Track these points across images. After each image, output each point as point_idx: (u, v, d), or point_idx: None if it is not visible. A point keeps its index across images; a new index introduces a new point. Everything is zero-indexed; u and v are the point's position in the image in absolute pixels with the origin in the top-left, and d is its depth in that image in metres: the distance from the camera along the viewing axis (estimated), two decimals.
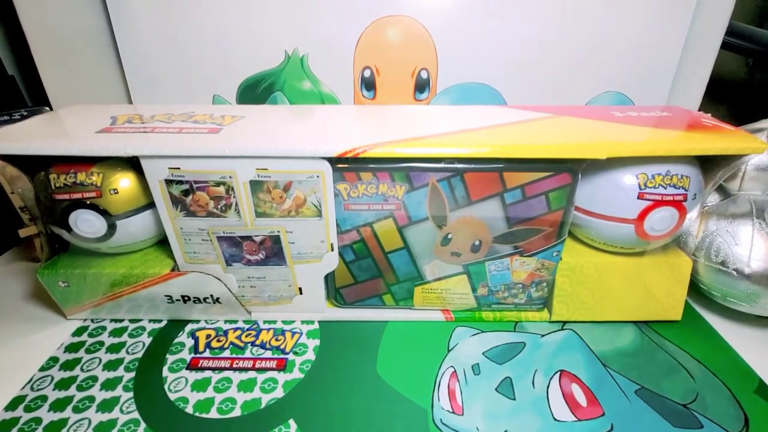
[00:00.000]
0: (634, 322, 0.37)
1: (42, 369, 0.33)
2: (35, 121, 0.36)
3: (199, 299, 0.37)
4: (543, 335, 0.36)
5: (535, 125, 0.35)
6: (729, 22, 0.45)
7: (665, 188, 0.31)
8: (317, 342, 0.36)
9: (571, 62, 0.46)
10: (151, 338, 0.36)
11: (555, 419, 0.29)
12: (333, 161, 0.30)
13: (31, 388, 0.32)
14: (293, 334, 0.37)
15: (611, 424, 0.29)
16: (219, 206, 0.32)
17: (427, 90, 0.47)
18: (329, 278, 0.36)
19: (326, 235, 0.33)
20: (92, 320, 0.38)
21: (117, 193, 0.33)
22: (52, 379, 0.32)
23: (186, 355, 0.35)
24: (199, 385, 0.32)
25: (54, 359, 0.34)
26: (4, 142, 0.31)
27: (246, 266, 0.35)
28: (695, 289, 0.38)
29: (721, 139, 0.30)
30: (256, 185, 0.31)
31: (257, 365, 0.34)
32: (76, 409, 0.30)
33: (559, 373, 0.32)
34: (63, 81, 0.48)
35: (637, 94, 0.47)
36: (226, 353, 0.35)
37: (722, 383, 0.32)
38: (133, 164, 0.33)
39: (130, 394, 0.31)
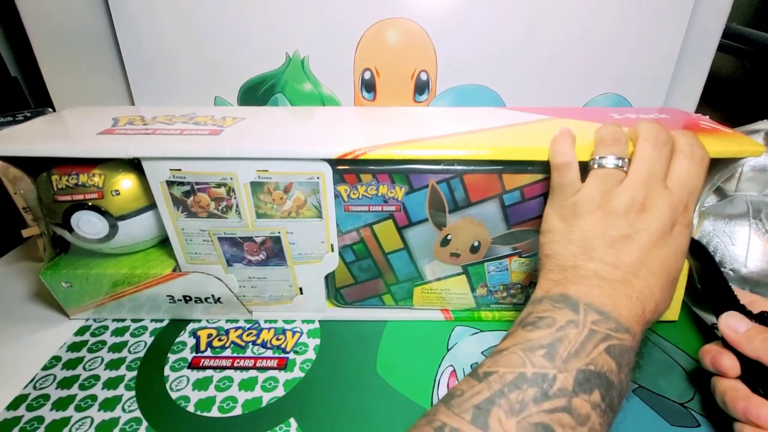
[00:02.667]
0: None
1: (45, 368, 0.34)
2: (38, 123, 0.36)
3: (200, 299, 0.37)
4: None
5: (534, 127, 0.35)
6: (726, 24, 0.45)
7: None
8: (318, 341, 0.36)
9: (569, 64, 0.46)
10: (152, 337, 0.36)
11: None
12: (333, 163, 0.31)
13: (34, 387, 0.32)
14: (294, 333, 0.37)
15: None
16: (220, 207, 0.32)
17: (427, 92, 0.47)
18: (329, 278, 0.37)
19: (326, 235, 0.34)
20: (94, 320, 0.38)
21: (118, 194, 0.33)
22: (55, 378, 0.33)
23: (187, 354, 0.35)
24: (201, 384, 0.32)
25: (56, 358, 0.34)
26: (7, 143, 0.31)
27: (247, 266, 0.35)
28: (692, 289, 0.38)
29: (719, 141, 0.30)
30: (256, 186, 0.32)
31: (258, 364, 0.34)
32: (78, 408, 0.30)
33: None
34: (66, 82, 0.48)
35: (634, 96, 0.47)
36: (228, 352, 0.35)
37: None
38: (134, 165, 0.33)
39: (132, 393, 0.31)
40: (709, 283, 0.29)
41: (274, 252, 0.35)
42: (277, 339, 0.36)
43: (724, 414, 0.27)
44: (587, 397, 0.20)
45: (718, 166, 0.33)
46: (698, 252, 0.30)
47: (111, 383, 0.32)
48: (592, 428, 0.20)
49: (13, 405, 0.31)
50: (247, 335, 0.37)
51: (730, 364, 0.26)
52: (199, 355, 0.35)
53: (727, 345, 0.26)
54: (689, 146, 0.27)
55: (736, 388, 0.25)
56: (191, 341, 0.36)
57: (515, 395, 0.20)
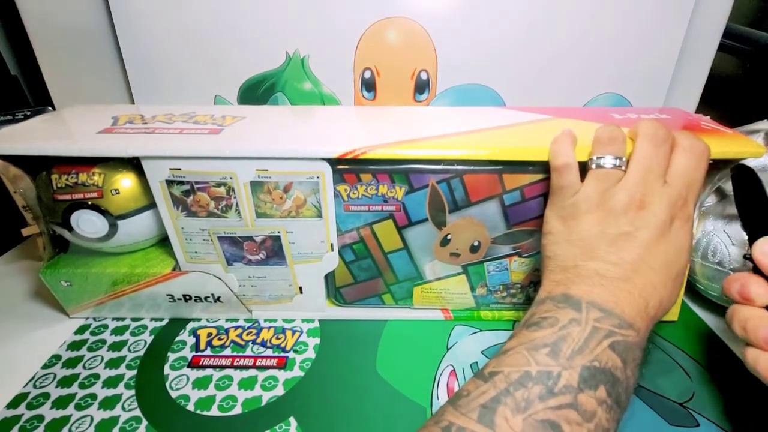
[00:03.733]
0: None
1: (44, 367, 0.34)
2: (37, 122, 0.36)
3: (200, 298, 0.37)
4: None
5: (534, 127, 0.35)
6: (726, 24, 0.45)
7: None
8: (317, 340, 0.36)
9: (569, 64, 0.46)
10: (152, 336, 0.37)
11: None
12: (333, 162, 0.31)
13: (34, 386, 0.32)
14: (294, 332, 0.37)
15: None
16: (220, 207, 0.32)
17: (427, 91, 0.47)
18: (329, 278, 0.37)
19: (326, 235, 0.34)
20: (94, 319, 0.38)
21: (118, 193, 0.33)
22: (55, 376, 0.33)
23: (187, 353, 0.35)
24: (201, 383, 0.32)
25: (56, 357, 0.34)
26: (6, 142, 0.31)
27: (247, 266, 0.35)
28: (692, 289, 0.38)
29: (719, 142, 0.30)
30: (256, 186, 0.32)
31: (258, 363, 0.34)
32: (78, 407, 0.30)
33: None
34: (66, 81, 0.48)
35: (634, 96, 0.47)
36: (227, 351, 0.35)
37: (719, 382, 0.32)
38: (134, 164, 0.33)
39: (132, 392, 0.32)
40: (747, 207, 0.28)
41: (273, 251, 0.35)
42: (277, 338, 0.36)
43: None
44: (593, 393, 0.20)
45: (718, 166, 0.33)
46: (741, 174, 0.28)
47: (111, 382, 0.32)
48: (598, 424, 0.20)
49: (13, 403, 0.31)
50: (247, 334, 0.37)
51: (760, 291, 0.24)
52: (199, 354, 0.35)
53: (759, 273, 0.24)
54: (689, 140, 0.27)
55: (762, 316, 0.23)
56: (191, 340, 0.36)
57: (521, 393, 0.20)
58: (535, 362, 0.21)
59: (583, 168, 0.28)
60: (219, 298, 0.37)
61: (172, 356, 0.35)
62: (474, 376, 0.22)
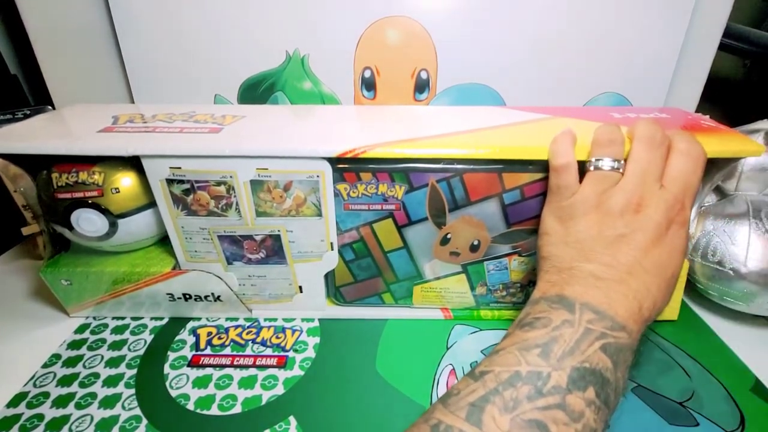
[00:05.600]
0: None
1: (44, 366, 0.34)
2: (37, 121, 0.36)
3: (200, 297, 0.37)
4: None
5: (534, 126, 0.35)
6: (727, 23, 0.45)
7: None
8: (317, 339, 0.36)
9: (569, 63, 0.46)
10: (152, 336, 0.37)
11: None
12: (333, 161, 0.31)
13: (34, 385, 0.32)
14: (294, 331, 0.37)
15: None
16: (220, 205, 0.32)
17: (427, 90, 0.47)
18: (329, 277, 0.37)
19: (326, 234, 0.34)
20: (94, 318, 0.38)
21: (118, 192, 0.33)
22: (55, 375, 0.33)
23: (187, 352, 0.35)
24: (201, 382, 0.32)
25: (56, 356, 0.34)
26: (6, 141, 0.31)
27: (247, 265, 0.35)
28: (692, 288, 0.38)
29: (719, 141, 0.30)
30: (256, 185, 0.32)
31: (258, 362, 0.34)
32: (78, 406, 0.30)
33: None
34: (65, 80, 0.48)
35: (635, 95, 0.47)
36: (227, 350, 0.35)
37: (718, 381, 0.32)
38: (134, 163, 0.33)
39: (132, 391, 0.31)
40: None
41: (273, 250, 0.35)
42: (277, 337, 0.36)
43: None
44: (581, 394, 0.20)
45: (718, 165, 0.33)
46: None
47: (111, 381, 0.32)
48: (586, 425, 0.20)
49: (13, 402, 0.31)
50: (247, 333, 0.37)
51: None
52: (199, 353, 0.35)
53: None
54: (686, 143, 0.27)
55: None
56: (191, 339, 0.36)
57: (509, 393, 0.20)
58: (526, 362, 0.21)
59: (582, 169, 0.28)
60: (219, 297, 0.37)
61: (172, 355, 0.35)
62: (466, 375, 0.23)
